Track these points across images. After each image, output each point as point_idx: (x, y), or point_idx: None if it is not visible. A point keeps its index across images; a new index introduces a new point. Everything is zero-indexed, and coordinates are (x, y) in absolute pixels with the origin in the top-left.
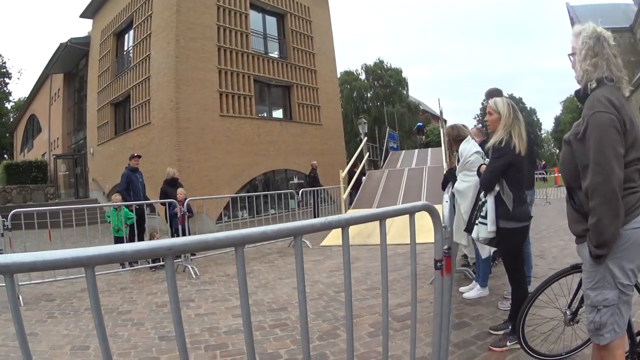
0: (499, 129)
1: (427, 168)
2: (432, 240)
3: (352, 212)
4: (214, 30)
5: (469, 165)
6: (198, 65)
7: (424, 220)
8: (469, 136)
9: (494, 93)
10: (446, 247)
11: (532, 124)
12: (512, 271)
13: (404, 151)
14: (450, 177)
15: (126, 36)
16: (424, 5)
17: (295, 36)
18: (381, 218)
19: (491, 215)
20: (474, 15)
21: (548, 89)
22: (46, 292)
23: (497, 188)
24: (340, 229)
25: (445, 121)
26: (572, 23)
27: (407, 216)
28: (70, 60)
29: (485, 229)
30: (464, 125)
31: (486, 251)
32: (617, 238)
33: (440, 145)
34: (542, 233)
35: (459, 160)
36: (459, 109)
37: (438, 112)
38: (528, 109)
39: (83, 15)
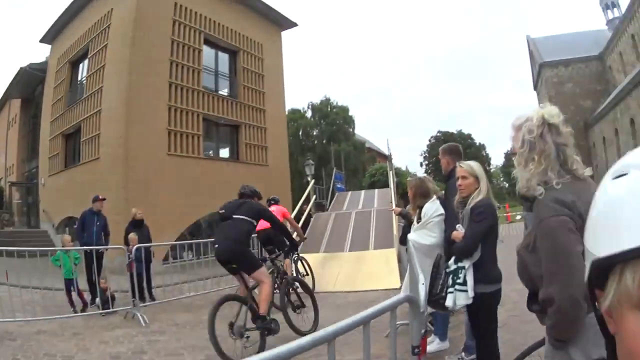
0: (479, 192)
1: (375, 210)
2: (383, 287)
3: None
4: (167, 66)
5: (431, 226)
6: (149, 102)
7: (373, 267)
8: (434, 196)
9: (453, 149)
10: (423, 330)
11: (481, 159)
12: (484, 335)
13: (350, 192)
14: (408, 232)
15: (81, 65)
16: (375, 44)
17: (247, 74)
18: (364, 323)
19: (471, 281)
20: (428, 52)
21: (499, 123)
22: (8, 330)
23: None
24: None
25: (390, 160)
26: (531, 57)
27: (355, 262)
28: (28, 86)
29: (464, 296)
30: (429, 180)
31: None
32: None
33: (387, 186)
34: None
35: (419, 217)
36: (406, 145)
37: (384, 150)
38: (477, 144)
39: (43, 40)
